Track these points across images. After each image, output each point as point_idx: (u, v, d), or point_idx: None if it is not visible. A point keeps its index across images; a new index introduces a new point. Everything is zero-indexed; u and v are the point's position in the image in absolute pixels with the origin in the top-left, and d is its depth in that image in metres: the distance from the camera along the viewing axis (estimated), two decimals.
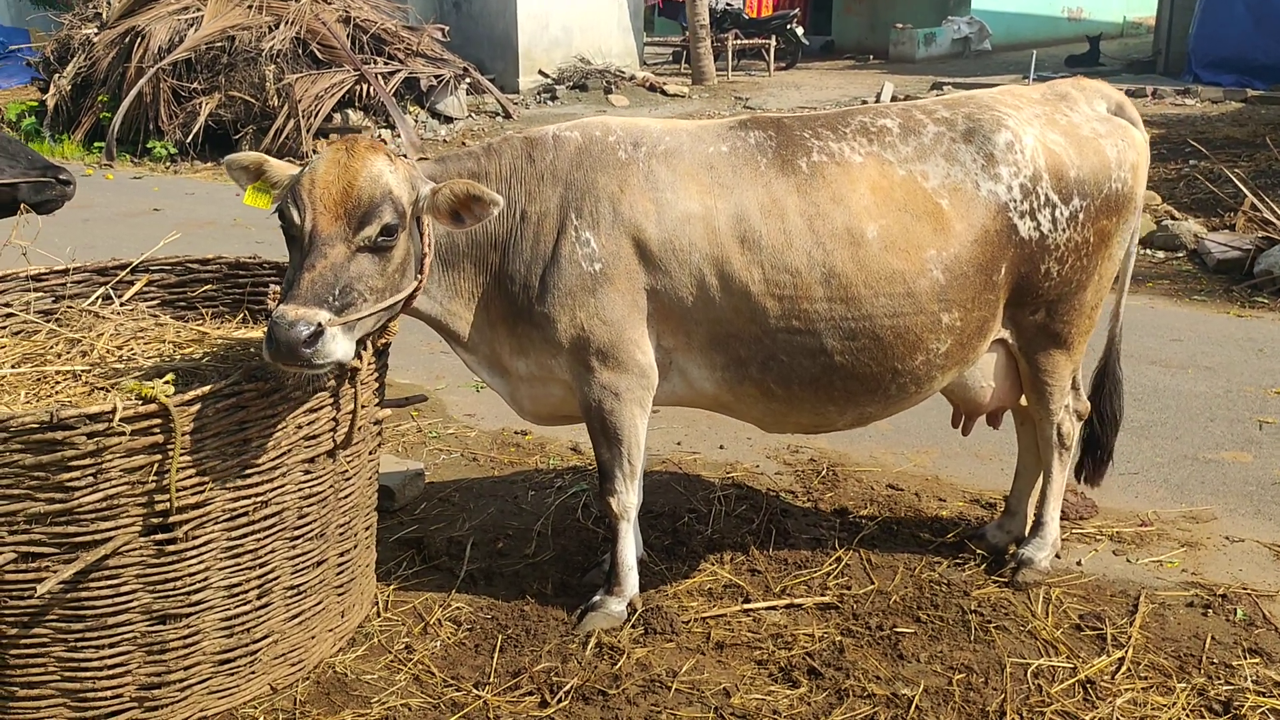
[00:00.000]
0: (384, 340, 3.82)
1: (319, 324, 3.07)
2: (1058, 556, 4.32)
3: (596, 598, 4.03)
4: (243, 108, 15.81)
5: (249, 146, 15.08)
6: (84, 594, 3.22)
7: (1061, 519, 4.63)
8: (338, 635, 3.87)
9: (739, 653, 3.83)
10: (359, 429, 3.69)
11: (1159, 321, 7.59)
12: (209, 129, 15.82)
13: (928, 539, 4.56)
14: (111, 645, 3.30)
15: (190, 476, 3.22)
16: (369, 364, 3.69)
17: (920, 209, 3.63)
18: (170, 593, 3.32)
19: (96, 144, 16.40)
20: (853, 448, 5.50)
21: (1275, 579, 4.22)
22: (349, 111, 15.85)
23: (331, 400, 3.54)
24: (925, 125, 3.75)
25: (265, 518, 3.44)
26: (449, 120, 16.90)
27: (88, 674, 3.31)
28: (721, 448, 5.56)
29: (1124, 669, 3.66)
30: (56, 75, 17.46)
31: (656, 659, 3.78)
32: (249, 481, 3.36)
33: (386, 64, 16.41)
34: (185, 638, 3.40)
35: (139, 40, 16.49)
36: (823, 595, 4.14)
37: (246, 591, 3.48)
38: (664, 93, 19.69)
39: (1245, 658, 3.72)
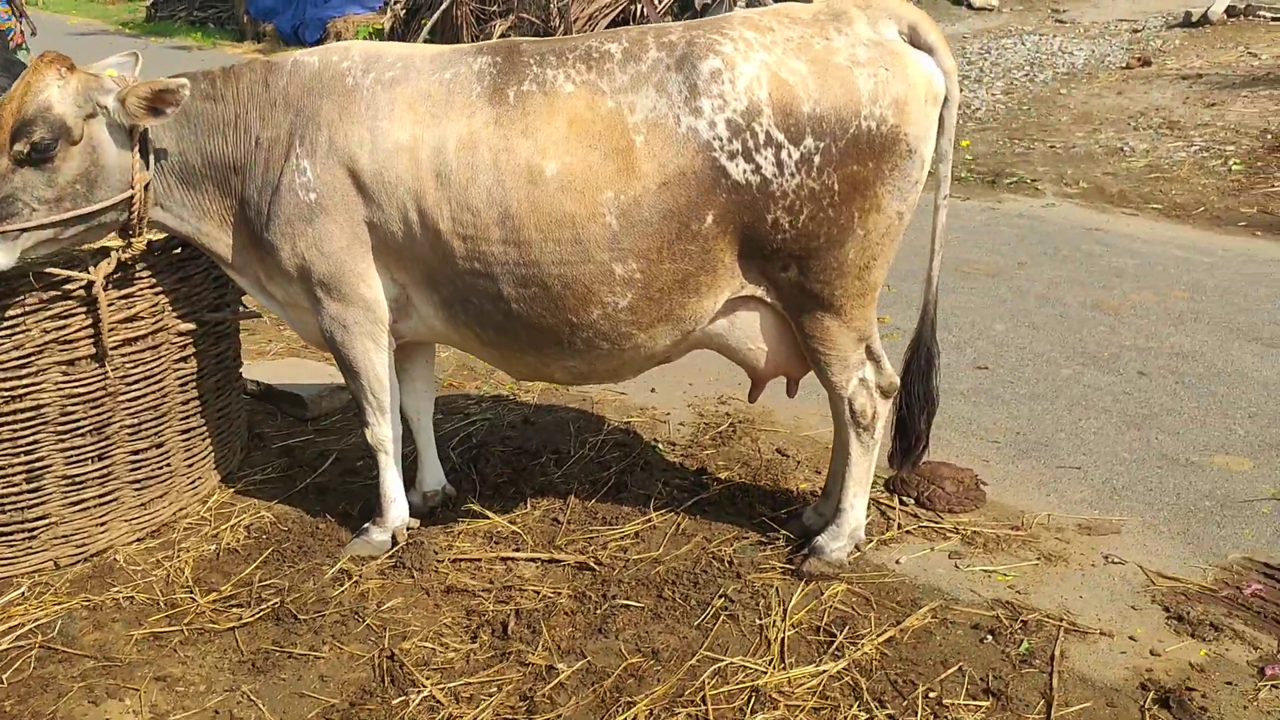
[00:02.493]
0: (176, 252, 4.03)
1: None
2: (857, 549, 3.77)
3: (366, 524, 4.07)
4: (529, 29, 16.53)
5: None
6: None
7: (927, 509, 4.06)
8: (135, 526, 4.18)
9: (458, 599, 3.72)
10: (138, 338, 3.95)
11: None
12: None
13: (761, 512, 4.13)
14: None
15: None
16: (147, 274, 3.92)
17: (612, 145, 3.24)
18: None
19: None
20: (782, 404, 5.02)
21: (1115, 616, 3.43)
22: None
23: (84, 309, 3.80)
24: (648, 50, 3.32)
25: (22, 410, 3.79)
26: None
27: None
28: (653, 390, 5.29)
29: (813, 684, 3.18)
30: (394, 2, 19.17)
31: (380, 592, 3.77)
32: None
33: None
34: None
35: None
36: (584, 555, 3.90)
37: (13, 474, 3.86)
38: (970, 6, 18.14)
39: (971, 698, 3.09)
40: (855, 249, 3.31)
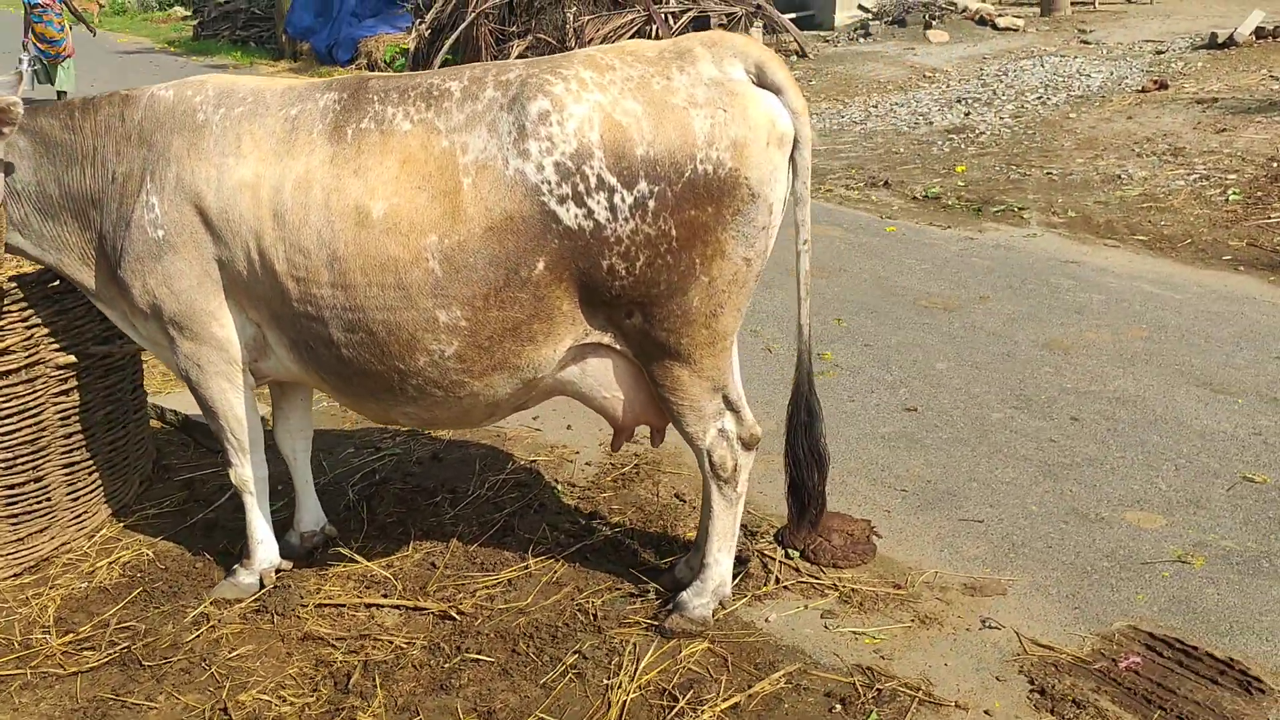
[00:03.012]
0: (54, 284, 3.98)
1: None
2: (722, 605, 3.60)
3: (235, 565, 3.98)
4: (546, 49, 16.54)
5: None
6: None
7: (813, 562, 3.89)
8: (11, 561, 4.12)
9: (311, 648, 3.62)
10: (9, 371, 3.91)
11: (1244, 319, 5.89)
12: None
13: (644, 560, 3.98)
14: None
15: None
16: (18, 307, 3.88)
17: (440, 187, 3.12)
18: None
19: None
20: None
21: (977, 686, 3.23)
22: None
23: None
24: (485, 89, 3.20)
25: None
26: None
27: None
28: (568, 427, 5.16)
29: None
30: (419, 20, 19.28)
31: (234, 638, 3.68)
32: None
33: (680, 3, 16.39)
34: None
35: None
36: (449, 603, 3.78)
37: None
38: (994, 26, 17.83)
39: None
40: (700, 296, 3.16)
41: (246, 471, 3.83)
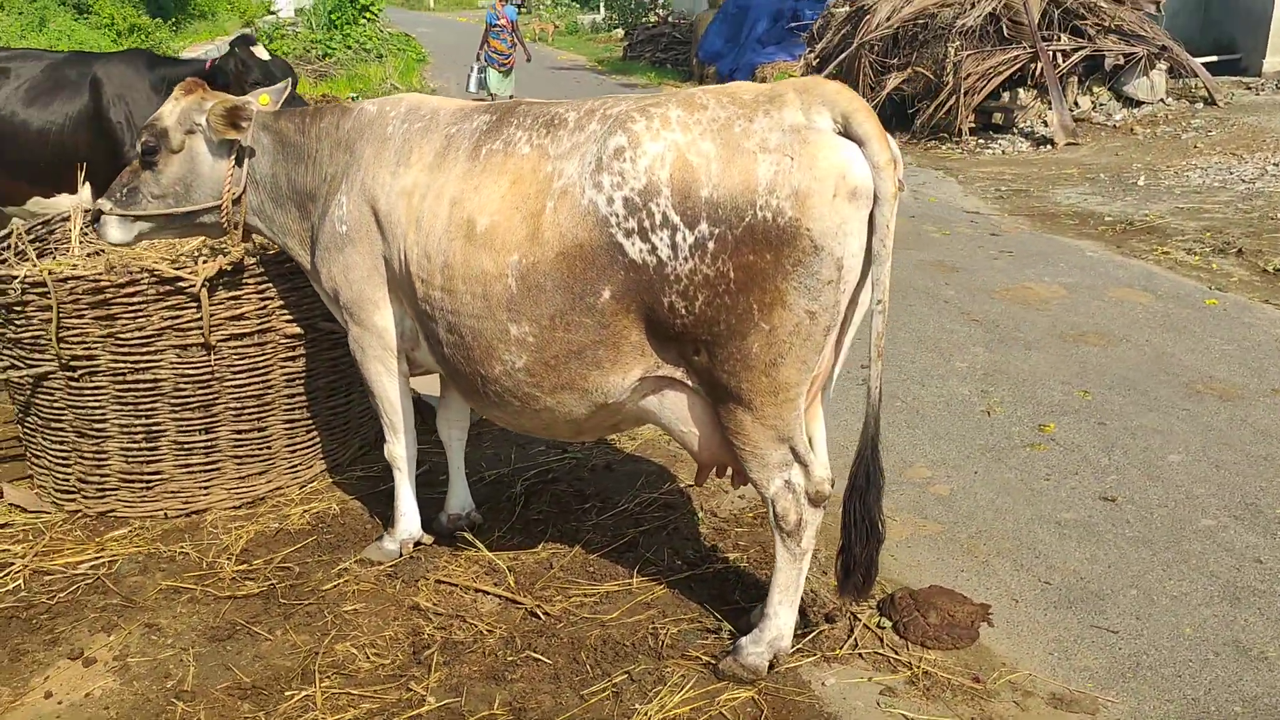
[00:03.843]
0: (290, 264, 4.63)
1: (98, 209, 4.18)
2: (776, 659, 3.50)
3: (383, 532, 4.43)
4: (922, 83, 16.26)
5: (921, 122, 15.68)
6: (39, 399, 4.73)
7: (901, 636, 3.71)
8: (233, 494, 4.86)
9: (411, 618, 3.95)
10: (245, 334, 4.62)
11: None
12: (894, 102, 16.61)
13: (738, 600, 3.96)
14: (57, 442, 4.77)
15: (74, 333, 4.49)
16: (254, 281, 4.57)
17: (531, 209, 3.32)
18: (86, 413, 4.66)
19: None
20: None
21: None
22: (1020, 90, 15.35)
23: (195, 303, 4.50)
24: (594, 120, 3.35)
25: (143, 381, 4.58)
26: (1134, 104, 15.25)
27: (47, 456, 4.84)
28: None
29: None
30: (808, 50, 19.64)
31: (359, 595, 4.10)
32: (125, 347, 4.52)
33: (1072, 40, 15.41)
34: (99, 452, 4.73)
35: (865, 17, 17.78)
36: (545, 602, 3.97)
37: (135, 433, 4.68)
38: None
39: None
40: (760, 343, 3.13)
41: (399, 449, 4.26)
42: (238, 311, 4.61)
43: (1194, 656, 3.56)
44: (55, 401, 4.68)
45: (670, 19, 29.18)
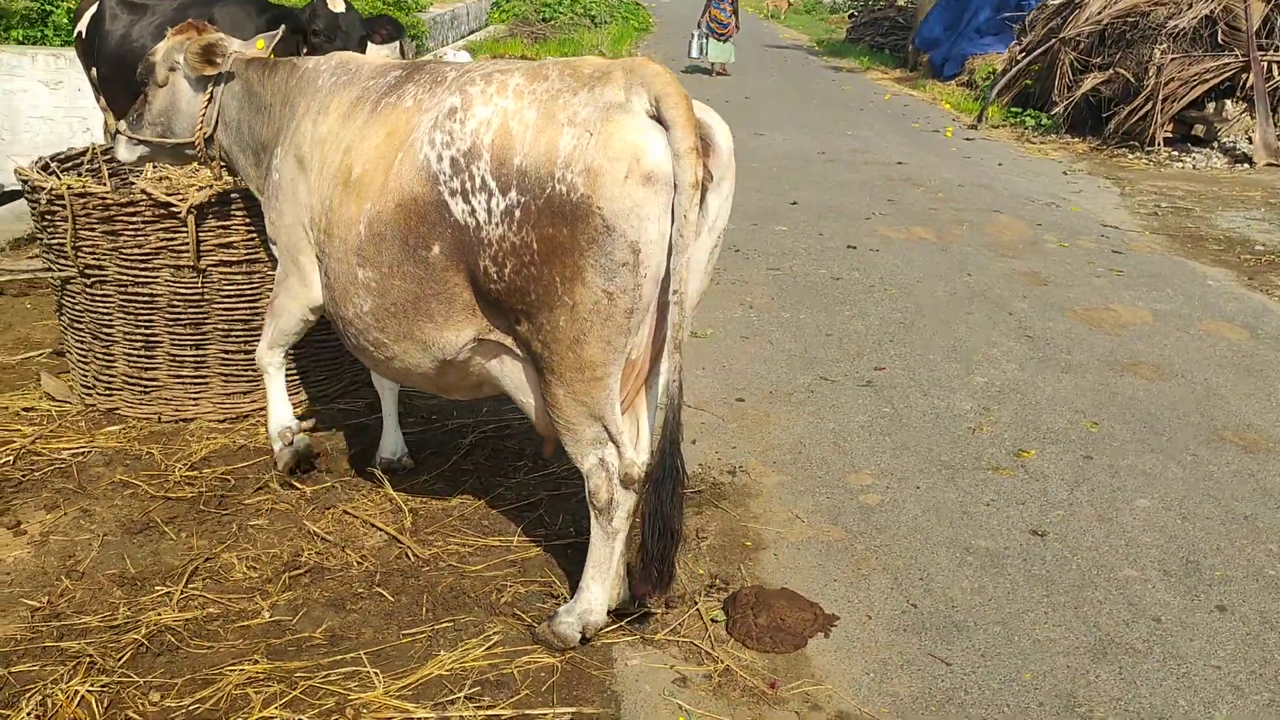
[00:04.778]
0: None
1: (117, 129, 4.65)
2: (584, 633, 3.53)
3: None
4: (1120, 85, 15.24)
5: (1114, 125, 14.75)
6: (65, 301, 5.29)
7: (727, 631, 3.69)
8: (220, 408, 5.28)
9: (305, 541, 4.22)
10: (233, 261, 5.00)
11: None
12: (1089, 104, 15.66)
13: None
14: (79, 342, 5.33)
15: (88, 244, 4.99)
16: (242, 213, 4.94)
17: (389, 161, 3.46)
18: (98, 318, 5.18)
19: (1021, 111, 17.01)
20: (777, 489, 4.62)
21: None
22: (1227, 102, 14.15)
23: (186, 228, 4.91)
24: (461, 78, 3.45)
25: (143, 294, 5.04)
26: None
27: (74, 353, 5.41)
28: (694, 441, 5.14)
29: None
30: (1014, 43, 18.74)
31: (272, 513, 4.42)
32: (127, 262, 4.98)
33: None
34: (107, 355, 5.25)
35: (1074, 11, 16.81)
36: (421, 543, 4.15)
37: (135, 340, 5.16)
38: None
39: None
40: (565, 318, 3.17)
41: (267, 358, 4.48)
42: (226, 240, 4.99)
43: (1014, 703, 3.36)
44: (76, 304, 5.22)
45: (898, 2, 28.34)
